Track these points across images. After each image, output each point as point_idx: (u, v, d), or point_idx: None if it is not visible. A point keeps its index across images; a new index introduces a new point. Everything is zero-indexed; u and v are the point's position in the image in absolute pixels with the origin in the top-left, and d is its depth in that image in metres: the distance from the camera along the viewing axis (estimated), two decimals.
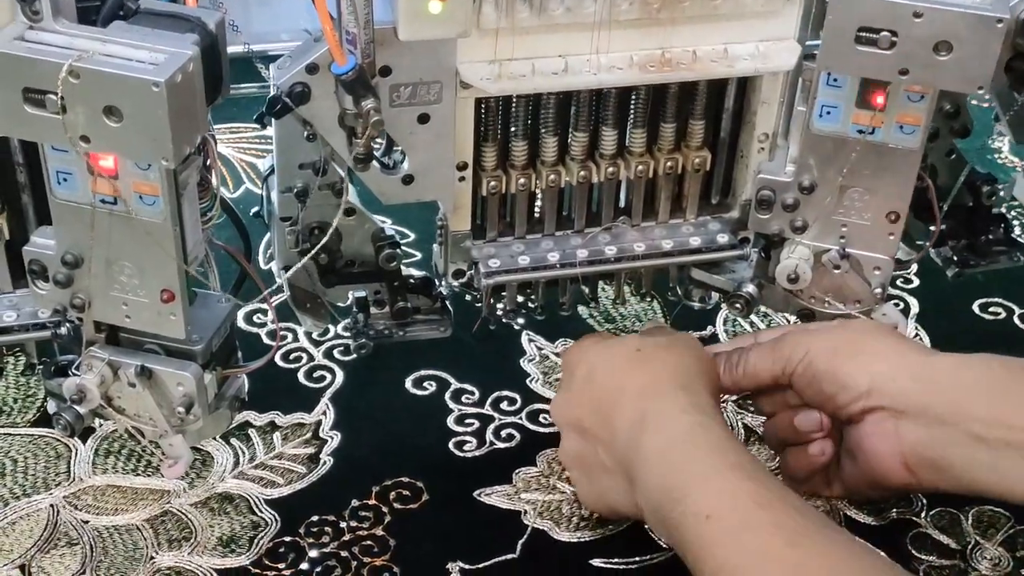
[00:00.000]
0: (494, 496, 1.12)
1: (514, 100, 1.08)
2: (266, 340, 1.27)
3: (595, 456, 1.02)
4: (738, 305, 1.18)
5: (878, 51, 0.97)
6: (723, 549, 0.84)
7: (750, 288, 1.18)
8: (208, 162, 1.00)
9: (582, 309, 1.32)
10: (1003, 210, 1.27)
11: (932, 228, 1.20)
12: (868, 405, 1.01)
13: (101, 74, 0.85)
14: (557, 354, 1.28)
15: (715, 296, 1.24)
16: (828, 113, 1.05)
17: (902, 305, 1.35)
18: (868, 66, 0.99)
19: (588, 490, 1.05)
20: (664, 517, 0.91)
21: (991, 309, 1.36)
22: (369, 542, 1.07)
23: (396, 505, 1.10)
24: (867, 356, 1.03)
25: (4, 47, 0.85)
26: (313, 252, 1.07)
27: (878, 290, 1.13)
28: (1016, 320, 1.35)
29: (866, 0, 0.96)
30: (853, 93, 1.04)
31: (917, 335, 1.32)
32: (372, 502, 1.10)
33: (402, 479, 1.12)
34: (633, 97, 1.11)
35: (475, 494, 1.11)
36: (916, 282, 1.39)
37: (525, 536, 1.07)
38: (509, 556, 1.06)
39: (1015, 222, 1.49)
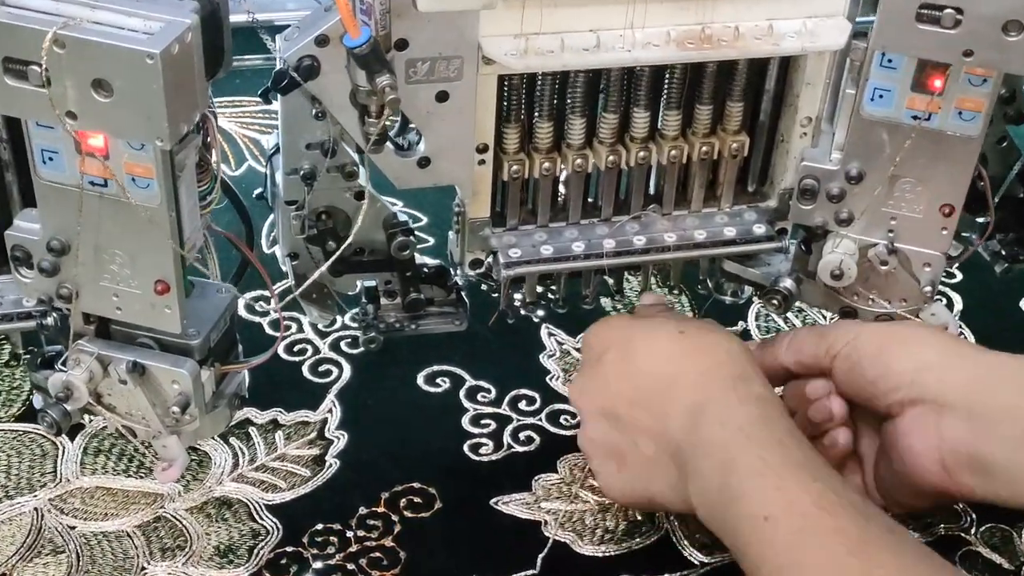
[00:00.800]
0: (512, 505, 1.04)
1: (540, 78, 1.00)
2: (268, 330, 1.19)
3: (631, 445, 0.95)
4: (775, 301, 1.10)
5: (940, 30, 0.89)
6: (780, 554, 0.80)
7: (788, 283, 1.10)
8: (208, 140, 0.92)
9: (605, 301, 1.24)
10: None
11: (980, 220, 1.12)
12: (910, 396, 0.94)
13: (89, 43, 0.77)
14: (578, 349, 1.20)
15: (748, 290, 1.17)
16: (880, 97, 0.97)
17: (944, 301, 1.27)
18: (928, 46, 0.91)
19: (615, 479, 0.97)
20: (720, 515, 0.86)
21: None
22: (377, 554, 0.99)
23: (407, 513, 1.02)
24: (916, 345, 0.97)
25: None
26: (331, 261, 0.99)
27: (928, 288, 1.05)
28: None
29: None
30: (909, 75, 0.96)
31: (961, 333, 1.24)
32: (381, 510, 1.03)
33: (413, 485, 1.05)
34: (667, 76, 1.03)
35: (491, 502, 1.04)
36: (959, 276, 1.31)
37: (546, 550, 1.00)
38: (529, 572, 0.98)
39: None
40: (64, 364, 0.95)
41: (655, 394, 0.94)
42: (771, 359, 1.02)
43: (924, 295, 1.05)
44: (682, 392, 0.92)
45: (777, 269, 1.12)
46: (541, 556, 0.99)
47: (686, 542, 1.02)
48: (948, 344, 0.98)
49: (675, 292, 1.26)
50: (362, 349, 1.09)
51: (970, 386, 0.93)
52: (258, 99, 1.19)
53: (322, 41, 0.90)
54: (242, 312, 1.19)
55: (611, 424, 0.97)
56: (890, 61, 0.96)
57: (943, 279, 1.30)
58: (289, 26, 0.94)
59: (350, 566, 0.98)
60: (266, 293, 1.20)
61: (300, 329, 1.20)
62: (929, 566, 0.81)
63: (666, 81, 1.03)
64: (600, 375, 0.98)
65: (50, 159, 0.86)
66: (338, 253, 0.99)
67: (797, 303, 1.12)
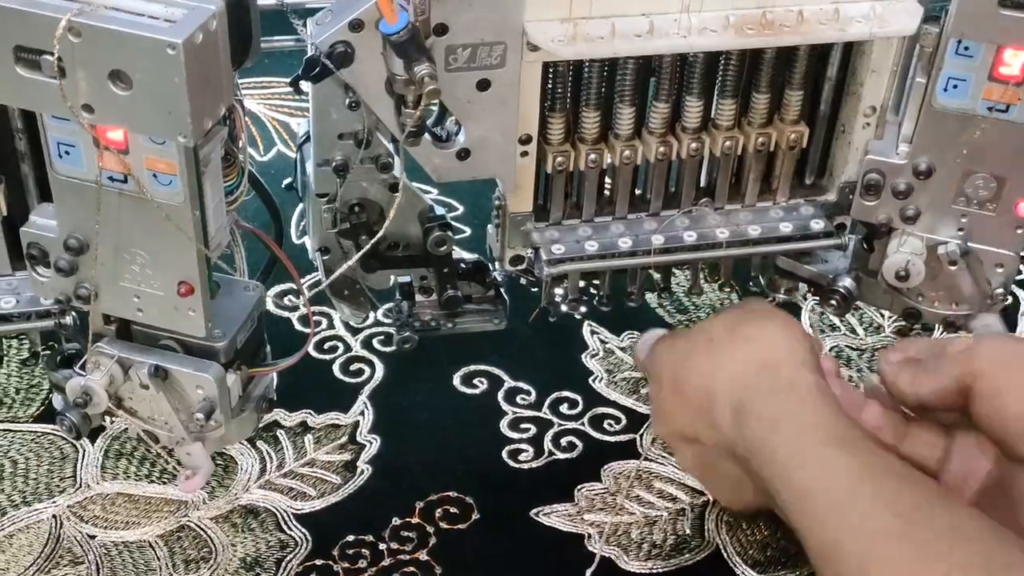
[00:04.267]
0: (553, 516, 0.99)
1: (587, 65, 0.94)
2: (298, 326, 1.14)
3: (715, 457, 0.93)
4: (834, 301, 1.04)
5: None
6: (825, 525, 0.79)
7: (847, 282, 1.04)
8: (235, 131, 0.86)
9: (650, 298, 1.18)
10: None
11: None
12: None
13: (106, 32, 0.71)
14: (623, 348, 1.14)
15: (803, 288, 1.10)
16: (955, 87, 0.91)
17: (1010, 300, 1.20)
18: (1013, 33, 0.84)
19: (724, 494, 0.98)
20: (778, 503, 0.85)
21: None
22: (412, 568, 0.94)
23: (442, 524, 0.97)
24: None
25: None
26: (360, 254, 0.93)
27: (999, 290, 0.99)
28: None
29: None
30: (987, 64, 0.89)
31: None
32: (415, 520, 0.97)
33: (449, 494, 0.99)
34: (723, 62, 0.97)
35: (532, 513, 0.99)
36: None
37: (594, 566, 0.94)
38: None
39: None
40: (83, 367, 0.90)
41: (704, 410, 0.91)
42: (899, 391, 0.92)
43: (996, 297, 0.99)
44: (721, 400, 0.90)
45: (835, 266, 1.06)
46: (590, 572, 0.94)
47: (737, 558, 0.96)
48: None
49: (726, 289, 1.20)
50: (396, 348, 1.04)
51: None
52: (287, 80, 1.14)
53: (356, 26, 0.84)
54: (269, 307, 1.14)
55: (691, 446, 0.94)
56: (967, 49, 0.89)
57: None
58: (321, 9, 0.88)
59: None
60: (294, 287, 1.14)
61: (331, 325, 1.15)
62: (975, 523, 0.77)
63: (721, 68, 0.97)
64: (664, 405, 0.95)
65: (66, 153, 0.81)
66: (368, 246, 0.94)
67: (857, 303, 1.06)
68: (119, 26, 0.71)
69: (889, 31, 0.93)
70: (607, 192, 1.02)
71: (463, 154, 0.92)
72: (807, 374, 0.88)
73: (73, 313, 0.91)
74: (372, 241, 0.93)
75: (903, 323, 1.04)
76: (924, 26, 0.92)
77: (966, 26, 0.86)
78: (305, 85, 0.89)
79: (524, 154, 0.95)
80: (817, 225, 1.04)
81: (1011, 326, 1.18)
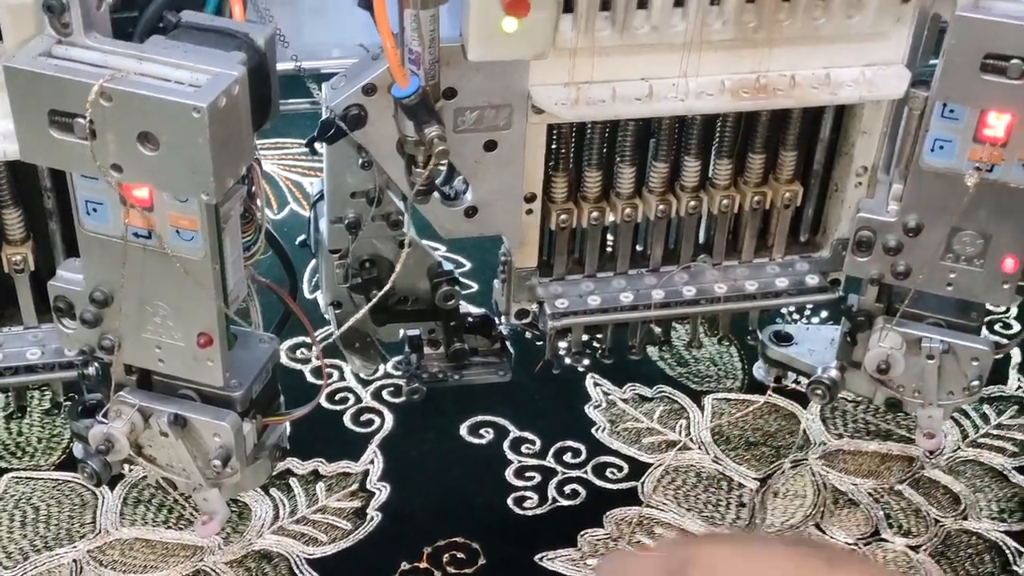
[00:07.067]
0: (557, 561, 1.02)
1: (589, 126, 0.98)
2: (310, 378, 1.17)
3: None
4: (819, 391, 1.07)
5: (1007, 81, 0.87)
6: None
7: (832, 372, 1.07)
8: (252, 190, 0.90)
9: (652, 351, 1.21)
10: None
11: None
12: None
13: (136, 96, 0.75)
14: (625, 400, 1.17)
15: (791, 375, 1.15)
16: (941, 148, 0.95)
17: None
18: (993, 97, 0.88)
19: None
20: None
21: None
22: None
23: (450, 569, 1.00)
24: None
25: (28, 64, 0.76)
26: (368, 306, 0.97)
27: (975, 382, 1.02)
28: None
29: (996, 23, 0.85)
30: (971, 126, 0.93)
31: (1020, 387, 1.21)
32: (424, 565, 1.00)
33: (456, 540, 1.03)
34: (720, 124, 1.01)
35: (536, 558, 1.02)
36: (1017, 327, 1.27)
37: None
38: None
39: None
40: (105, 415, 0.93)
41: None
42: None
43: (971, 389, 1.02)
44: None
45: (822, 357, 1.10)
46: None
47: None
48: None
49: (724, 343, 1.23)
50: (405, 399, 1.07)
51: None
52: (301, 141, 1.18)
53: (370, 90, 0.89)
54: (283, 359, 1.17)
55: None
56: (952, 111, 0.93)
57: (1000, 329, 1.27)
58: (335, 74, 0.92)
59: None
60: (307, 340, 1.18)
61: (342, 377, 1.18)
62: None
63: (718, 129, 1.01)
64: None
65: (94, 210, 0.84)
66: (377, 298, 0.97)
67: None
68: (148, 91, 0.75)
69: (878, 95, 0.97)
70: (609, 248, 1.06)
71: (471, 212, 0.96)
72: None
73: (96, 364, 0.94)
74: (380, 293, 0.97)
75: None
76: (912, 89, 0.96)
77: (950, 90, 0.90)
78: (320, 146, 0.94)
79: (529, 212, 0.99)
80: (812, 280, 1.08)
81: (1002, 379, 1.22)
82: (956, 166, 0.95)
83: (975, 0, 0.86)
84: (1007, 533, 1.07)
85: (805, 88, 0.95)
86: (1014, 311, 1.28)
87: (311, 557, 1.01)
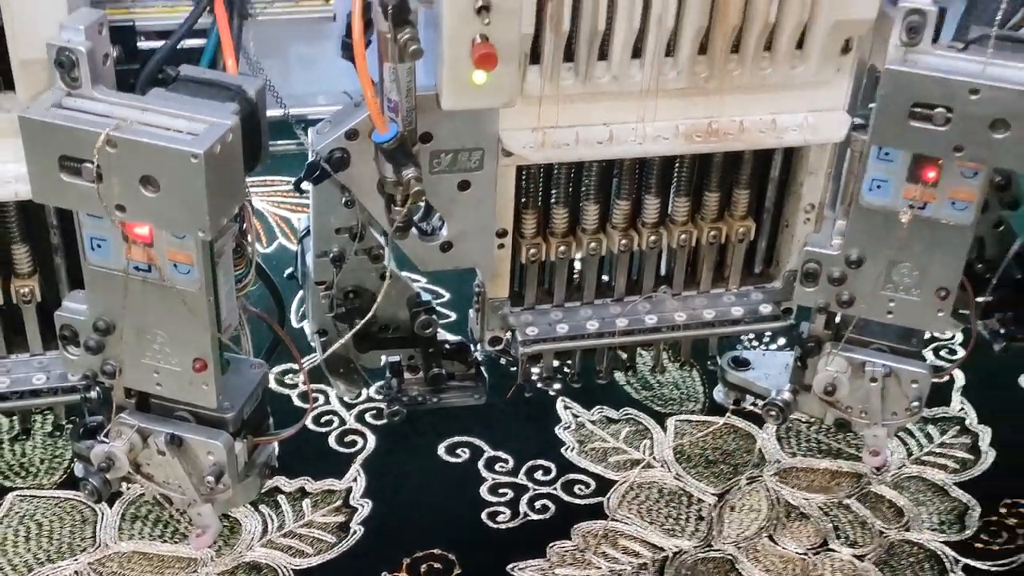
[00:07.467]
0: (528, 571, 1.09)
1: (556, 167, 1.06)
2: (297, 402, 1.25)
3: None
4: (772, 412, 1.15)
5: (932, 127, 0.95)
6: None
7: (785, 395, 1.15)
8: (244, 227, 0.98)
9: (619, 376, 1.29)
10: None
11: (980, 300, 1.17)
12: None
13: (139, 144, 0.83)
14: (593, 421, 1.25)
15: (749, 398, 1.22)
16: (878, 187, 1.03)
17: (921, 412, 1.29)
18: (921, 142, 0.96)
19: None
20: None
21: None
22: None
23: None
24: None
25: (41, 115, 0.84)
26: (351, 333, 1.04)
27: (915, 403, 1.10)
28: None
29: (921, 75, 0.93)
30: (904, 167, 1.01)
31: (963, 408, 1.28)
32: (403, 575, 1.07)
33: (434, 551, 1.10)
34: (677, 165, 1.09)
35: (508, 568, 1.09)
36: (960, 353, 1.35)
37: None
38: None
39: None
40: (106, 436, 1.00)
41: None
42: None
43: (912, 410, 1.10)
44: None
45: (777, 381, 1.17)
46: None
47: None
48: None
49: (686, 368, 1.31)
50: (386, 421, 1.14)
51: None
52: (289, 179, 1.25)
53: (352, 135, 0.96)
54: (272, 384, 1.25)
55: None
56: (887, 154, 1.01)
57: (946, 355, 1.35)
58: (321, 120, 1.00)
59: None
60: (295, 366, 1.25)
61: (327, 401, 1.26)
62: None
63: (676, 170, 1.09)
64: None
65: (98, 246, 0.92)
66: (360, 325, 1.04)
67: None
68: (150, 139, 0.83)
69: (821, 138, 1.05)
70: (576, 279, 1.14)
71: (446, 246, 1.04)
72: None
73: (98, 388, 1.01)
74: (363, 322, 1.04)
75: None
76: (853, 133, 1.04)
77: (883, 135, 0.98)
78: (306, 185, 1.01)
79: (501, 246, 1.06)
80: (766, 309, 1.16)
81: (945, 402, 1.29)
82: (892, 204, 1.03)
83: (903, 54, 0.94)
84: (945, 543, 1.14)
85: (753, 132, 1.04)
86: (959, 337, 1.36)
87: (298, 568, 1.08)
